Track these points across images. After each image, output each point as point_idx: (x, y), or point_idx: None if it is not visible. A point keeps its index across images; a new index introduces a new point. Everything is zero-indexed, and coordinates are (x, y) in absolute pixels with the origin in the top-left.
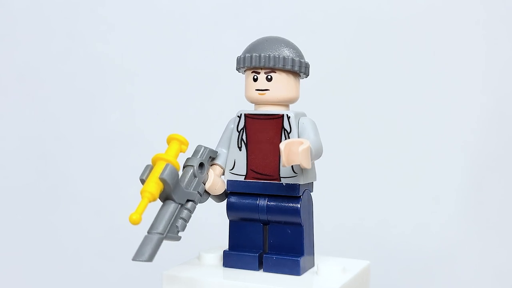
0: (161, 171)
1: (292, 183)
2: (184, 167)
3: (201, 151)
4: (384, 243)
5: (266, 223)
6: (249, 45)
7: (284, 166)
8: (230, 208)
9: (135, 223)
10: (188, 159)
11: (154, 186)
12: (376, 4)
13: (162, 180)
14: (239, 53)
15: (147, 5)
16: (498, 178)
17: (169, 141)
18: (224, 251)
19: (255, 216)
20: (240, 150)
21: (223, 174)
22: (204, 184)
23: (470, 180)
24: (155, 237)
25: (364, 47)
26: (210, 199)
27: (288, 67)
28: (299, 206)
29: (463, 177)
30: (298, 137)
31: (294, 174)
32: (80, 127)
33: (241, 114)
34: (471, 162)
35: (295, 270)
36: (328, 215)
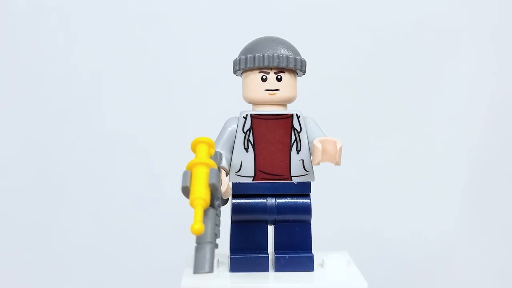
0: (208, 177)
1: (304, 181)
2: None
3: (215, 154)
4: (385, 243)
5: (272, 223)
6: (249, 45)
7: (315, 164)
8: (236, 210)
9: (199, 232)
10: None
11: (206, 192)
12: (379, 5)
13: (212, 185)
14: (233, 53)
15: (146, 4)
16: (499, 179)
17: (195, 144)
18: (230, 256)
19: (263, 217)
20: (247, 151)
21: (226, 176)
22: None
23: (471, 181)
24: (208, 247)
25: (365, 48)
26: None
27: (298, 66)
28: (309, 204)
29: (464, 177)
30: (307, 135)
31: (306, 173)
32: (80, 127)
33: (246, 114)
34: (473, 163)
35: (308, 266)
36: (329, 215)
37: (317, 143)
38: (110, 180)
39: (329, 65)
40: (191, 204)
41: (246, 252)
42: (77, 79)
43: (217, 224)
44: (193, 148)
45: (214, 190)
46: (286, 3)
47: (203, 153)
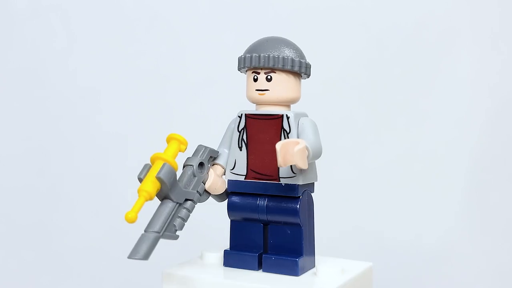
0: (158, 170)
1: (291, 183)
2: (184, 166)
3: (202, 151)
4: (387, 244)
5: (266, 223)
6: (250, 45)
7: (280, 166)
8: (230, 208)
9: (131, 221)
10: (188, 159)
11: (151, 185)
12: (382, 6)
13: (158, 179)
14: (241, 52)
15: (147, 3)
16: (499, 180)
17: (168, 140)
18: (224, 250)
19: (255, 216)
20: (241, 150)
21: (225, 174)
22: (204, 184)
23: (471, 182)
24: (152, 236)
25: (367, 49)
26: (212, 198)
27: (288, 67)
28: (297, 207)
29: (466, 178)
30: (298, 137)
31: (293, 175)
32: (81, 127)
33: (241, 114)
34: (474, 163)
35: (293, 270)
36: (332, 217)
37: (277, 145)
38: (112, 181)
39: (330, 66)
40: (138, 194)
41: (241, 249)
42: (76, 80)
43: (180, 217)
44: (167, 143)
45: (161, 183)
46: (290, 4)
47: (169, 149)
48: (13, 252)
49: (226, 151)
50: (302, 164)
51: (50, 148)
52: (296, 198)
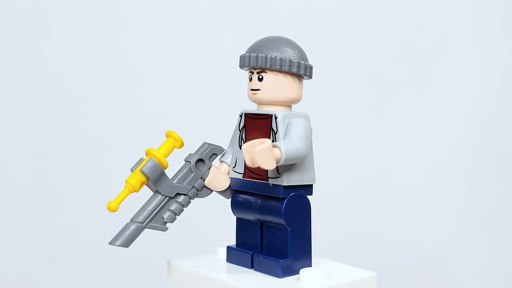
0: (143, 164)
1: (276, 184)
2: (185, 162)
3: (204, 148)
4: (386, 245)
5: (262, 222)
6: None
7: (249, 165)
8: (232, 205)
9: (112, 210)
10: (188, 155)
11: (135, 178)
12: (382, 6)
13: (142, 172)
14: (240, 52)
15: (147, 2)
16: (500, 180)
17: (167, 136)
18: (227, 246)
19: (251, 215)
20: (240, 148)
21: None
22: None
23: (472, 182)
24: (133, 225)
25: (368, 48)
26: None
27: (276, 67)
28: (282, 208)
29: (466, 178)
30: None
31: (278, 175)
32: (81, 126)
33: (242, 113)
34: (474, 163)
35: (275, 271)
36: (331, 217)
37: (244, 144)
38: (113, 180)
39: (330, 66)
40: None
41: (241, 247)
42: (76, 80)
43: (171, 210)
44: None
45: (145, 177)
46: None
47: (162, 146)
48: (13, 252)
49: (230, 148)
50: (265, 164)
51: (50, 148)
52: (280, 199)
